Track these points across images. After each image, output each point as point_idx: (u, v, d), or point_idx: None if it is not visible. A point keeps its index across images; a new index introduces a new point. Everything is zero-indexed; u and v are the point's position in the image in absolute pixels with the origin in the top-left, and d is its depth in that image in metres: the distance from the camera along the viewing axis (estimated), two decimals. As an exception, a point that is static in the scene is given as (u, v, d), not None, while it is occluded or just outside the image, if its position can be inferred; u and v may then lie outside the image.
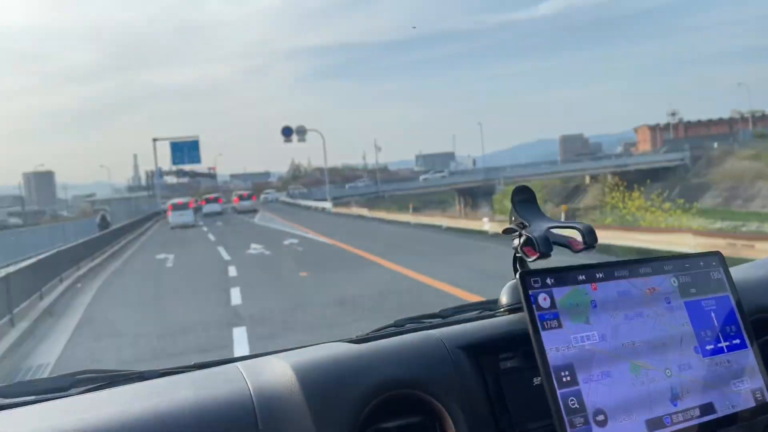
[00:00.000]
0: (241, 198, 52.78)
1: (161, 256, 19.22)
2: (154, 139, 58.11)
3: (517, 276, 0.82)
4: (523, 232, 0.91)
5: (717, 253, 0.96)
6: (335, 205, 42.17)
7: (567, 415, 0.76)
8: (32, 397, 0.90)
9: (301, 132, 46.39)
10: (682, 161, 59.19)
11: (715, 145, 63.96)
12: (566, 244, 0.90)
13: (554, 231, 0.90)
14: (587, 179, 73.77)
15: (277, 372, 0.85)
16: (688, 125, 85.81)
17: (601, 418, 0.79)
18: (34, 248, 20.90)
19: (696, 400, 0.85)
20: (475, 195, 61.25)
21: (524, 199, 0.94)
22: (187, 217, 36.66)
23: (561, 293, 0.83)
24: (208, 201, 50.48)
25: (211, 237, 26.02)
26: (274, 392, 0.82)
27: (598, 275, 0.87)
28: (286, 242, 20.43)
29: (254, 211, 48.26)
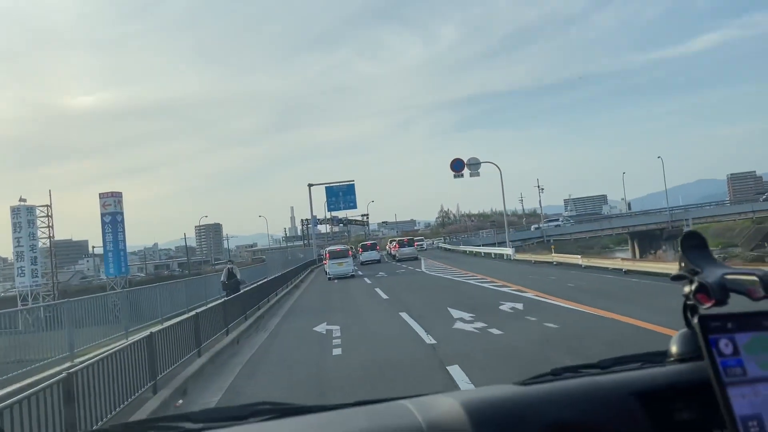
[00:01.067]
0: (401, 244, 47.97)
1: (322, 327, 12.72)
2: (310, 185, 53.41)
3: (696, 320, 0.75)
4: (695, 278, 0.85)
5: None
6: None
7: None
8: (216, 423, 0.96)
9: (474, 165, 38.96)
10: None
11: None
12: (744, 291, 0.83)
13: (732, 278, 0.83)
14: None
15: (447, 408, 0.83)
16: None
17: None
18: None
19: None
20: (652, 238, 54.15)
21: (695, 244, 0.89)
22: (347, 266, 31.58)
23: (744, 339, 0.76)
24: (365, 248, 46.51)
25: (381, 293, 19.79)
26: (446, 427, 0.80)
27: None
28: (505, 307, 13.00)
29: (415, 258, 43.92)
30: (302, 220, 76.61)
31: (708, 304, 0.83)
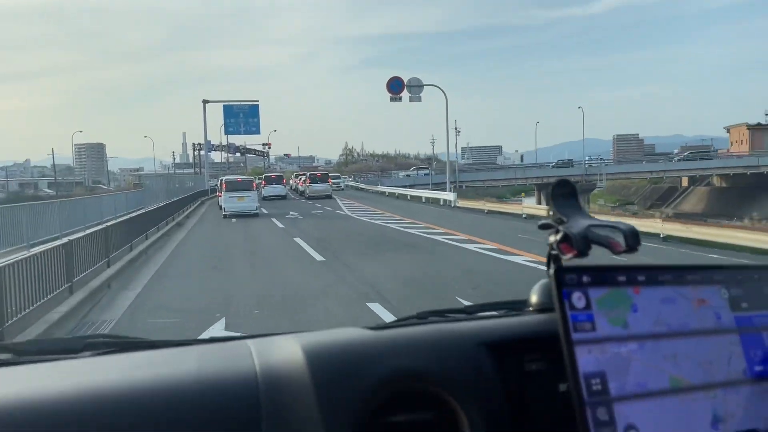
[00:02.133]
0: (313, 180, 39.12)
1: (213, 331, 5.86)
2: (205, 101, 43.91)
3: (551, 272, 0.73)
4: (561, 228, 0.81)
5: None
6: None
7: (595, 427, 0.66)
8: (41, 356, 0.89)
9: (416, 87, 31.51)
10: None
11: None
12: (606, 244, 0.80)
13: (594, 230, 0.80)
14: (685, 181, 61.22)
15: (287, 352, 0.79)
16: None
17: None
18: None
19: (739, 425, 0.73)
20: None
21: (564, 193, 0.85)
22: (249, 202, 23.52)
23: (598, 293, 0.72)
24: (269, 181, 37.68)
25: (309, 250, 12.88)
26: (281, 372, 0.76)
27: (639, 278, 0.76)
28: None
29: (328, 197, 36.59)
30: (194, 145, 66.29)
31: (570, 255, 0.79)
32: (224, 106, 46.26)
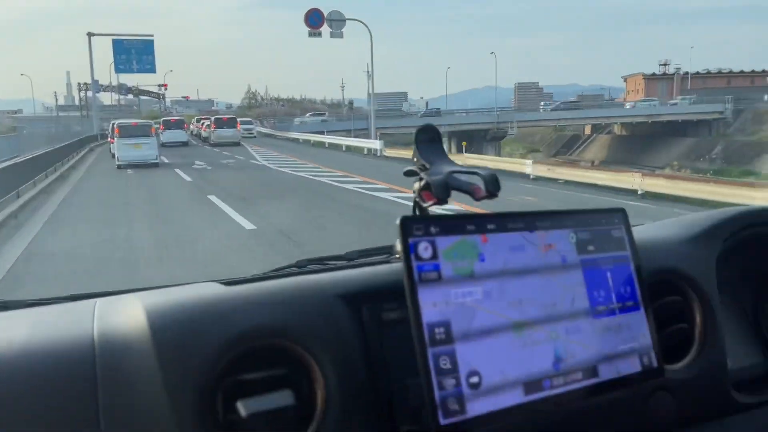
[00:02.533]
0: (219, 124, 35.02)
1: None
2: (90, 34, 38.52)
3: (397, 222, 0.71)
4: (423, 175, 0.81)
5: (621, 210, 0.86)
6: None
7: (437, 375, 0.67)
8: None
9: (337, 22, 28.37)
10: (720, 115, 48.20)
11: (766, 97, 51.52)
12: (468, 190, 0.81)
13: (456, 176, 0.81)
14: (588, 129, 62.62)
15: (129, 313, 0.74)
16: (694, 76, 73.35)
17: (475, 380, 0.69)
18: None
19: (580, 364, 0.76)
20: (473, 139, 50.01)
21: (428, 139, 0.84)
22: (147, 150, 20.50)
23: (446, 243, 0.72)
24: (168, 125, 33.57)
25: (231, 212, 10.28)
26: (119, 336, 0.71)
27: (489, 226, 0.75)
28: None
29: (237, 144, 33.33)
30: (80, 85, 59.02)
31: (430, 202, 0.81)
32: (114, 40, 41.88)
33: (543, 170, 17.64)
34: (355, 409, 0.72)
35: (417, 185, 0.82)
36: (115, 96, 63.10)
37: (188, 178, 16.23)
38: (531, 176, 17.10)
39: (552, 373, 0.74)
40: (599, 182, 15.32)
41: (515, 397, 0.70)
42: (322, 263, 1.01)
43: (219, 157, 24.77)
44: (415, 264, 0.69)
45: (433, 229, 0.71)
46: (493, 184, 0.79)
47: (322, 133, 39.99)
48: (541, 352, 0.74)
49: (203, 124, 40.14)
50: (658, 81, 75.80)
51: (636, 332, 0.82)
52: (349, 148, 29.34)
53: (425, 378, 0.66)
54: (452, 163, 0.82)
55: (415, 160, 0.83)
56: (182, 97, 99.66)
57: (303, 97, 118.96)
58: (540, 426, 0.78)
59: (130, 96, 63.65)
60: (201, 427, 0.67)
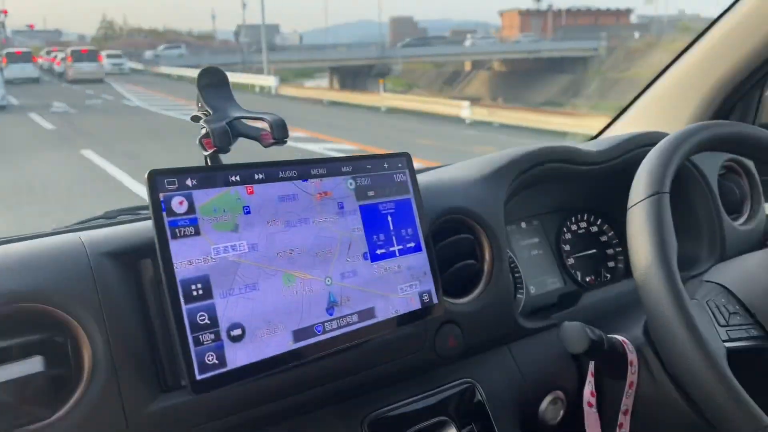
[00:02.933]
0: (76, 57, 29.38)
1: None
2: None
3: (145, 175, 0.68)
4: (203, 122, 0.76)
5: (405, 155, 0.87)
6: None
7: (194, 332, 0.65)
8: None
9: None
10: (594, 51, 47.96)
11: (636, 34, 54.51)
12: (256, 137, 0.78)
13: (243, 122, 0.77)
14: (468, 65, 62.94)
15: None
16: (566, 13, 75.93)
17: (237, 332, 0.68)
18: None
19: (355, 307, 0.77)
20: (356, 75, 49.18)
21: (212, 83, 0.79)
22: None
23: (205, 197, 0.69)
24: (12, 58, 27.85)
25: (128, 181, 7.21)
26: None
27: (257, 176, 0.72)
28: None
29: (100, 81, 28.41)
30: None
31: (211, 150, 0.75)
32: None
33: (483, 114, 15.46)
34: (128, 369, 0.70)
35: (204, 132, 0.77)
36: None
37: (49, 126, 12.81)
38: (467, 121, 14.95)
39: (325, 318, 0.74)
40: (547, 126, 13.53)
41: (283, 345, 0.70)
42: (133, 213, 0.95)
43: (81, 96, 20.99)
44: (167, 220, 0.66)
45: (189, 182, 0.68)
46: (280, 130, 0.76)
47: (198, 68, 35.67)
48: (314, 299, 0.73)
49: (56, 57, 34.56)
50: (532, 17, 77.14)
51: (417, 272, 0.83)
52: (236, 85, 25.69)
53: (179, 336, 0.64)
54: (239, 108, 0.78)
55: (199, 105, 0.78)
56: (26, 26, 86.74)
57: (166, 28, 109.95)
58: (325, 368, 0.79)
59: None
60: None
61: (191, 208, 0.67)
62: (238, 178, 0.71)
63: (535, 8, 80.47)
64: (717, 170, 1.25)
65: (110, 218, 0.96)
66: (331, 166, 0.79)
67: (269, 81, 22.16)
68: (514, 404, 0.98)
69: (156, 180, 0.66)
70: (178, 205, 0.66)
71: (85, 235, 0.76)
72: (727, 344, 0.81)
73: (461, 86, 63.77)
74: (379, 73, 49.94)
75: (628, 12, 75.02)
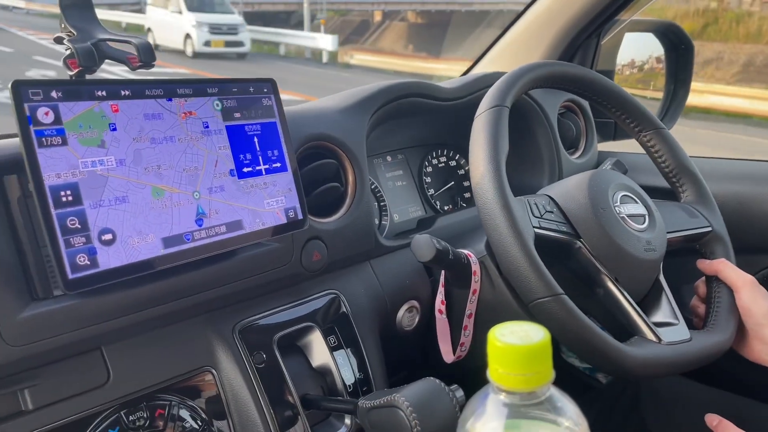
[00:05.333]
0: None
1: None
2: None
3: (9, 85, 0.67)
4: (67, 42, 0.75)
5: (270, 80, 0.91)
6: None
7: (64, 234, 0.67)
8: None
9: None
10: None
11: None
12: (124, 59, 0.78)
13: (109, 44, 0.77)
14: (378, 15, 61.15)
15: None
16: None
17: (108, 237, 0.70)
18: None
19: (223, 219, 0.81)
20: (270, 22, 44.25)
21: (75, 3, 0.78)
22: None
23: (71, 112, 0.70)
24: None
25: None
26: None
27: (123, 92, 0.74)
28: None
29: None
30: None
31: (76, 70, 0.75)
32: None
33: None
34: None
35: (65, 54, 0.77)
36: None
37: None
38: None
39: (194, 228, 0.78)
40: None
41: (154, 251, 0.74)
42: None
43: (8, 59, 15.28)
44: (33, 129, 0.67)
45: (54, 94, 0.69)
46: (147, 53, 0.77)
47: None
48: (183, 211, 0.77)
49: None
50: None
51: (283, 190, 0.89)
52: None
53: (49, 236, 0.67)
54: (104, 30, 0.78)
55: (63, 26, 0.78)
56: None
57: None
58: (196, 278, 0.83)
59: None
60: None
61: (57, 120, 0.68)
62: (104, 93, 0.72)
63: None
64: (556, 109, 1.39)
65: None
66: (197, 87, 0.81)
67: (325, 42, 16.30)
68: (375, 313, 1.06)
69: (20, 90, 0.67)
70: (44, 115, 0.68)
71: None
72: (537, 230, 0.92)
73: (371, 39, 61.85)
74: (300, 21, 46.33)
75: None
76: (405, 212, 1.30)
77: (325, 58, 15.92)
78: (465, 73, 1.63)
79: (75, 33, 0.76)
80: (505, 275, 0.90)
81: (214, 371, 0.88)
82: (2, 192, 0.74)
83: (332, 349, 0.98)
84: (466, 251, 1.03)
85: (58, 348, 0.75)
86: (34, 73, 10.58)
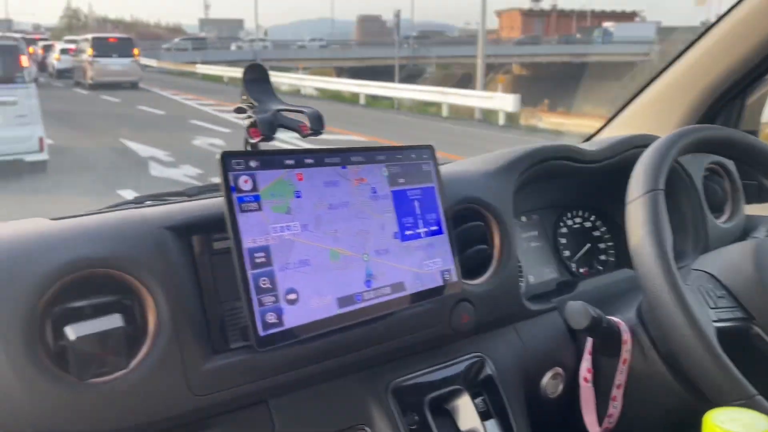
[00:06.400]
0: (100, 49, 19.86)
1: None
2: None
3: (217, 156, 0.75)
4: (250, 113, 0.84)
5: (429, 147, 0.95)
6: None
7: (257, 294, 0.73)
8: None
9: None
10: (647, 56, 44.95)
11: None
12: (296, 128, 0.85)
13: (283, 114, 0.84)
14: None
15: None
16: (560, 15, 72.57)
17: (292, 297, 0.77)
18: None
19: (388, 280, 0.86)
20: (375, 76, 43.31)
21: (255, 78, 0.87)
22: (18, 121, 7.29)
23: (265, 180, 0.77)
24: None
25: None
26: None
27: (307, 160, 0.82)
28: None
29: (134, 86, 20.55)
30: None
31: (257, 139, 0.83)
32: None
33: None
34: (187, 331, 0.76)
35: (246, 123, 0.84)
36: None
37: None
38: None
39: (363, 289, 0.83)
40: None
41: (330, 310, 0.79)
42: (161, 199, 1.02)
43: (164, 124, 12.94)
44: (235, 196, 0.74)
45: (252, 164, 0.76)
46: (316, 121, 0.84)
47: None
48: (354, 272, 0.82)
49: (58, 51, 24.92)
50: (536, 18, 74.60)
51: (439, 252, 0.92)
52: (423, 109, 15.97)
53: (245, 295, 0.72)
54: (280, 101, 0.85)
55: (244, 98, 0.85)
56: None
57: (134, 18, 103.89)
58: (358, 336, 0.87)
59: None
60: (30, 354, 0.69)
61: (254, 188, 0.76)
62: (292, 162, 0.80)
63: (538, 8, 77.94)
64: (702, 172, 1.34)
65: (139, 202, 1.03)
66: (367, 155, 0.88)
67: (504, 103, 13.89)
68: (519, 378, 1.05)
69: (226, 160, 0.75)
70: (244, 183, 0.75)
71: (148, 211, 0.84)
72: (716, 324, 0.88)
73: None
74: (410, 74, 42.59)
75: (633, 14, 73.53)
76: (540, 274, 1.29)
77: (501, 120, 13.93)
78: (598, 132, 1.61)
79: (256, 104, 0.84)
80: (688, 375, 0.86)
81: (368, 430, 0.89)
82: (190, 251, 0.80)
83: (481, 415, 0.97)
84: (615, 319, 1.00)
85: (233, 399, 0.80)
86: (201, 142, 10.23)
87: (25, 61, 7.19)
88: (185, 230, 0.81)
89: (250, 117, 0.83)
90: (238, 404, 0.81)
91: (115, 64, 20.25)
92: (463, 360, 1.00)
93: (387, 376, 0.93)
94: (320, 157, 0.82)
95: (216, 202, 0.86)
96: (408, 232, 0.89)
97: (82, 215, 0.85)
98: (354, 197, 0.84)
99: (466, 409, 0.97)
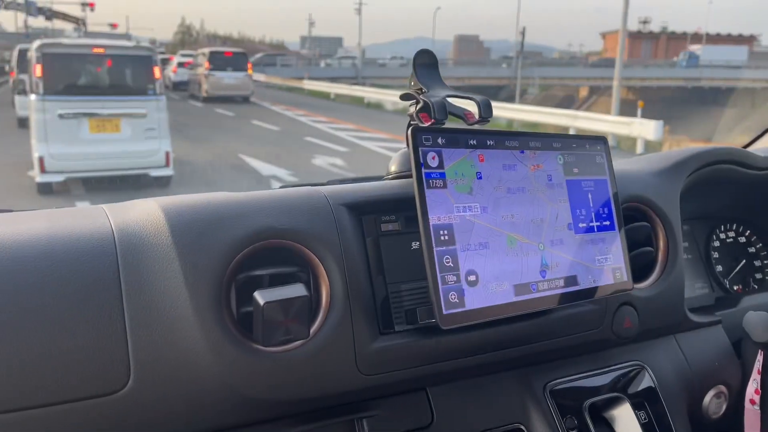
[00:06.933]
0: (216, 63, 20.02)
1: None
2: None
3: (409, 131, 0.75)
4: (421, 97, 0.83)
5: (603, 138, 0.92)
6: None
7: (441, 271, 0.73)
8: None
9: None
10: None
11: None
12: (461, 115, 0.84)
13: (452, 100, 0.83)
14: (584, 91, 57.96)
15: (145, 211, 0.77)
16: (671, 37, 69.18)
17: (473, 278, 0.76)
18: None
19: (562, 272, 0.84)
20: (488, 94, 41.97)
21: (426, 63, 0.85)
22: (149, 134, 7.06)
23: (450, 158, 0.77)
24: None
25: None
26: (138, 229, 0.74)
27: (489, 142, 0.81)
28: None
29: (245, 99, 20.81)
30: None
31: (428, 124, 0.81)
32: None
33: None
34: (358, 308, 0.76)
35: (413, 108, 0.83)
36: (23, 17, 41.61)
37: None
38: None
39: (539, 279, 0.81)
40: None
41: (507, 297, 0.77)
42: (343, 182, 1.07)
43: (280, 141, 12.41)
44: (423, 171, 0.73)
45: (440, 140, 0.76)
46: (486, 108, 0.82)
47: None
48: (530, 261, 0.80)
49: (175, 63, 26.23)
50: (642, 40, 71.55)
51: (611, 249, 0.88)
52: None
53: (431, 272, 0.71)
54: (448, 88, 0.85)
55: (412, 83, 0.84)
56: (109, 24, 64.51)
57: (241, 35, 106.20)
58: (519, 331, 0.84)
59: (42, 18, 39.30)
60: (217, 316, 0.70)
61: (440, 164, 0.75)
62: (475, 142, 0.79)
63: (647, 31, 74.65)
64: None
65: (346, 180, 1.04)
66: (544, 141, 0.85)
67: (647, 131, 11.81)
68: (681, 394, 0.99)
69: (417, 135, 0.74)
70: (432, 159, 0.75)
71: (326, 189, 0.84)
72: None
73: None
74: (512, 94, 42.63)
75: (751, 38, 68.58)
76: (691, 287, 1.21)
77: (640, 148, 12.09)
78: (752, 142, 1.49)
79: (426, 90, 0.82)
80: None
81: (524, 429, 0.87)
82: (361, 231, 0.80)
83: (643, 427, 0.92)
84: None
85: (396, 382, 0.79)
86: (321, 161, 9.47)
87: (157, 72, 7.07)
88: (358, 210, 0.81)
89: (418, 102, 0.82)
90: (399, 389, 0.81)
91: (229, 77, 20.36)
92: (621, 367, 0.96)
93: (543, 376, 0.91)
94: (501, 140, 0.81)
95: (385, 185, 0.86)
96: (581, 225, 0.86)
97: (258, 191, 0.86)
98: (530, 183, 0.82)
99: (627, 419, 0.92)
